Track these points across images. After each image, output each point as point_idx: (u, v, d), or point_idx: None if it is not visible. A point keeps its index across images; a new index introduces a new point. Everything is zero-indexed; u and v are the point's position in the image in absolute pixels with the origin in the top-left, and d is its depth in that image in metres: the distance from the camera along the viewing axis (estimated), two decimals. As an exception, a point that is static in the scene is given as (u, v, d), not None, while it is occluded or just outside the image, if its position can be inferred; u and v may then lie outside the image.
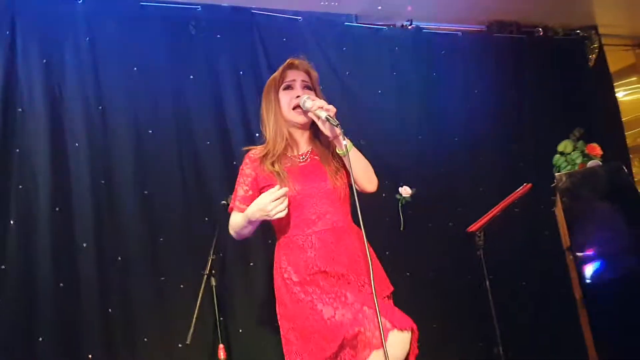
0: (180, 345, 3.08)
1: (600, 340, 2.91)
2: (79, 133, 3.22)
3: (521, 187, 3.06)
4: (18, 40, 3.18)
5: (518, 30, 4.78)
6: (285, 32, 3.91)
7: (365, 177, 2.20)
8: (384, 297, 2.17)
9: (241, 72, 3.69)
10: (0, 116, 3.04)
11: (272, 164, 2.20)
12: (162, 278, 3.24)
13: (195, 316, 2.89)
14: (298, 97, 2.21)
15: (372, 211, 3.58)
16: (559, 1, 4.58)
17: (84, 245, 3.09)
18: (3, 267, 2.90)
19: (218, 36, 3.69)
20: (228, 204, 3.26)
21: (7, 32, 3.16)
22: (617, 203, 2.73)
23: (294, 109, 2.23)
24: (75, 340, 2.98)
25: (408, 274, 3.82)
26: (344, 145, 2.08)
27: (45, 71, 3.20)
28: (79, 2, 3.37)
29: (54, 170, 3.10)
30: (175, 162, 3.41)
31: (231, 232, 2.31)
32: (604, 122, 4.94)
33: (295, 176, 2.18)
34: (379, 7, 4.22)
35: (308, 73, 2.32)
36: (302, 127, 2.28)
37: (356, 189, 2.09)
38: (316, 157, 2.26)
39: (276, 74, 2.30)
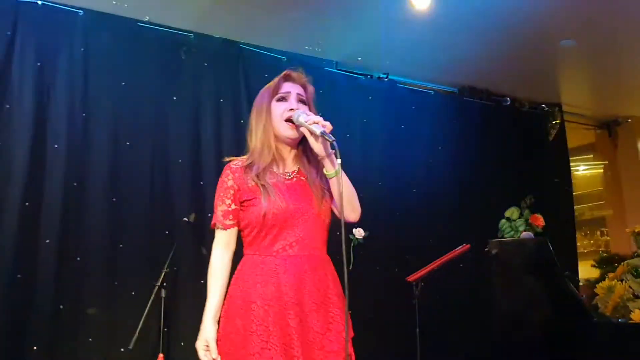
0: (122, 350, 3.24)
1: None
2: (60, 135, 3.40)
3: (460, 247, 3.33)
4: (17, 40, 3.38)
5: (488, 97, 5.13)
6: (269, 69, 4.12)
7: (350, 204, 2.04)
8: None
9: (221, 100, 3.93)
10: (-13, 109, 3.23)
11: (257, 176, 2.03)
12: (116, 283, 3.41)
13: (141, 323, 3.07)
14: (292, 110, 2.05)
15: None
16: (528, 76, 4.94)
17: (47, 241, 3.26)
18: (-31, 252, 3.06)
19: (205, 64, 3.93)
20: (189, 222, 3.52)
21: (8, 33, 3.36)
22: (538, 273, 3.00)
23: (286, 121, 2.05)
24: (23, 330, 3.12)
25: (349, 311, 4.03)
26: (338, 164, 1.92)
27: (38, 74, 3.41)
28: (80, 13, 3.60)
29: (30, 167, 3.27)
30: (147, 175, 3.61)
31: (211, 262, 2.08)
32: (556, 193, 5.29)
33: (282, 192, 2.01)
34: (359, 58, 4.53)
35: (304, 87, 2.16)
36: (291, 142, 2.10)
37: (337, 216, 2.02)
38: (303, 178, 2.09)
39: (271, 83, 2.15)
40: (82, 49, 3.56)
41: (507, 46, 4.29)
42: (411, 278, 3.18)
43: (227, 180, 2.06)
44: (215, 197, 2.08)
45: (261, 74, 4.09)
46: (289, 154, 2.12)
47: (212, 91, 3.92)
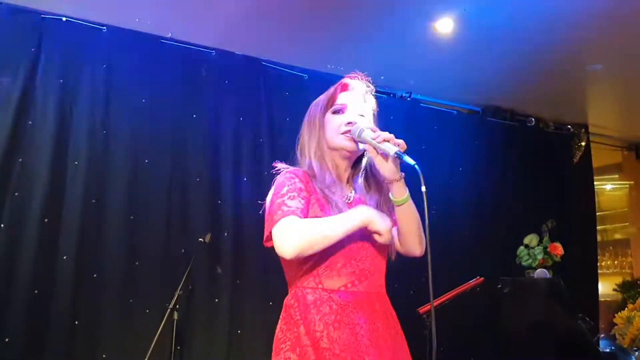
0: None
1: None
2: (80, 152, 3.44)
3: (474, 279, 3.29)
4: (41, 57, 3.42)
5: (512, 117, 5.05)
6: (290, 87, 4.16)
7: (417, 236, 1.79)
8: None
9: (241, 118, 3.93)
10: (11, 125, 3.26)
11: (323, 192, 1.76)
12: (131, 300, 3.43)
13: (153, 343, 3.09)
14: (349, 123, 1.79)
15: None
16: (554, 97, 4.85)
17: (64, 257, 3.30)
18: (-12, 265, 3.12)
19: (226, 82, 3.93)
20: (204, 242, 3.53)
21: (33, 49, 3.40)
22: (550, 314, 2.95)
23: (342, 133, 1.80)
24: (39, 346, 3.16)
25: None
26: (422, 191, 1.61)
27: (61, 90, 3.44)
28: (103, 30, 3.63)
29: (50, 183, 3.31)
30: (165, 193, 3.63)
31: (301, 241, 1.62)
32: (578, 217, 5.19)
33: None
34: (382, 77, 4.48)
35: (365, 98, 1.90)
36: (348, 157, 1.84)
37: (398, 250, 1.82)
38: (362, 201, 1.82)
39: (327, 93, 1.91)
40: (104, 66, 3.59)
41: (533, 68, 4.22)
42: (422, 310, 3.14)
43: (297, 182, 1.75)
44: (275, 197, 1.71)
45: (282, 92, 4.13)
46: (344, 173, 1.87)
47: (232, 109, 3.92)
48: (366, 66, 4.54)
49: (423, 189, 1.59)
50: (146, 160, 3.61)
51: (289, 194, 1.70)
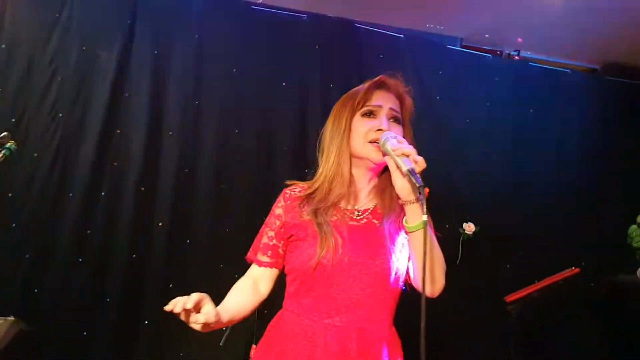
0: (224, 329, 3.41)
1: None
2: (174, 123, 3.54)
3: (569, 270, 3.02)
4: (136, 30, 3.52)
5: (635, 75, 4.49)
6: (385, 49, 3.97)
7: (431, 271, 1.52)
8: None
9: (331, 85, 3.82)
10: (109, 98, 3.42)
11: (316, 211, 1.61)
12: (221, 265, 3.56)
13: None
14: (380, 130, 1.61)
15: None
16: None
17: (160, 224, 3.46)
18: (88, 231, 3.35)
19: (316, 46, 3.82)
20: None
21: (128, 22, 3.50)
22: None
23: (370, 142, 1.61)
24: (137, 306, 3.39)
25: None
26: (424, 217, 1.38)
27: (155, 62, 3.53)
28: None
29: (145, 153, 3.46)
30: (253, 162, 3.65)
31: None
32: None
33: (341, 235, 1.58)
34: (487, 35, 4.15)
35: (402, 99, 1.70)
36: (374, 169, 1.65)
37: (410, 285, 1.60)
38: (376, 221, 1.63)
39: (358, 88, 1.71)
40: (197, 36, 3.62)
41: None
42: (510, 298, 2.96)
43: (276, 207, 1.71)
44: (267, 219, 1.74)
45: (376, 54, 3.95)
46: (366, 186, 1.68)
47: (322, 76, 3.81)
48: (470, 23, 4.24)
49: (424, 217, 1.37)
50: (236, 130, 3.65)
51: (264, 226, 1.75)
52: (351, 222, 1.62)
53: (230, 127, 3.64)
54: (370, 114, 1.66)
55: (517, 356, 2.91)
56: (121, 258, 3.38)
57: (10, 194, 3.22)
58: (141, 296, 3.42)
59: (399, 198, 1.53)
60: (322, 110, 3.78)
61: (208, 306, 1.50)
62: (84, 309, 3.29)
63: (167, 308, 1.42)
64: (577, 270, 2.98)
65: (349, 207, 1.65)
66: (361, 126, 1.64)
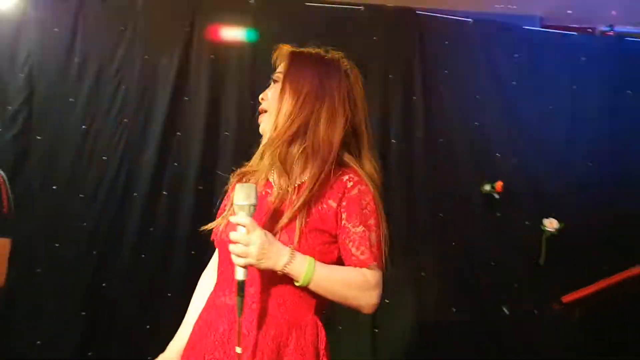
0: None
1: None
2: (230, 124, 3.62)
3: (636, 266, 2.56)
4: (195, 35, 3.64)
5: None
6: (450, 35, 3.73)
7: (346, 302, 1.43)
8: None
9: (390, 76, 3.67)
10: (170, 102, 3.58)
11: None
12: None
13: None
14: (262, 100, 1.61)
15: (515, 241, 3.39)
16: None
17: (217, 221, 3.55)
18: (151, 229, 3.52)
19: (374, 38, 3.70)
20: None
21: (187, 28, 3.64)
22: None
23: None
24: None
25: (535, 311, 3.54)
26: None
27: (212, 66, 3.64)
28: (251, 1, 3.69)
29: (204, 154, 3.58)
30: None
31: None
32: None
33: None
34: (569, 11, 3.73)
35: (282, 59, 1.62)
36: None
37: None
38: (269, 190, 1.52)
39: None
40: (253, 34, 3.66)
41: None
42: (567, 299, 2.59)
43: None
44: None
45: (440, 41, 3.73)
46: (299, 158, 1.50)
47: (380, 67, 3.68)
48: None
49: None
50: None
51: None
52: (264, 193, 1.51)
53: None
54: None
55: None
56: (181, 254, 3.51)
57: (81, 195, 3.49)
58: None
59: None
60: (381, 100, 3.64)
61: None
62: (146, 303, 3.45)
63: None
64: None
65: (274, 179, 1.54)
66: None
